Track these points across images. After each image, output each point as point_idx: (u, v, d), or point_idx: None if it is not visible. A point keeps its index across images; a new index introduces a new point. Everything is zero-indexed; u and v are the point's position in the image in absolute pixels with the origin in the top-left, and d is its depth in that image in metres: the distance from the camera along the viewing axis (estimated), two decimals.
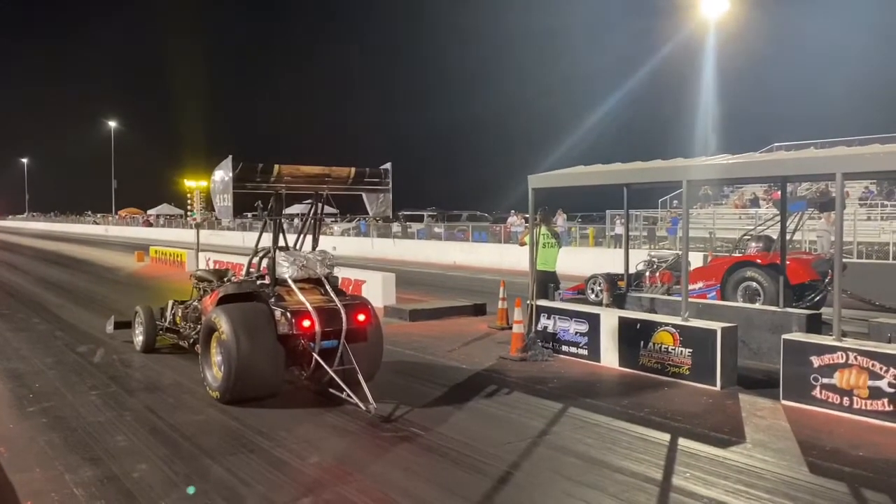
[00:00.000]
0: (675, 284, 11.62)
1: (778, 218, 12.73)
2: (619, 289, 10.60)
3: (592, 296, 11.89)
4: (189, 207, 19.18)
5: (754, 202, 25.32)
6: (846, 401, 6.13)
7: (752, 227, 15.30)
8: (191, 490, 4.58)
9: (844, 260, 8.08)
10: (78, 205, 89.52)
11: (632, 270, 11.11)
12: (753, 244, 11.98)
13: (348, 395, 6.39)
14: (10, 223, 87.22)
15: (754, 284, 11.02)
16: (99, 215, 76.25)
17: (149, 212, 71.74)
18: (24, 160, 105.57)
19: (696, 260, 14.23)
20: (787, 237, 9.83)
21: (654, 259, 12.68)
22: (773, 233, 12.17)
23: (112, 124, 77.07)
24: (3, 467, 4.98)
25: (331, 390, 6.62)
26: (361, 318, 6.83)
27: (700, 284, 11.56)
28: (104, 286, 18.20)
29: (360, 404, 6.24)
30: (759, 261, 11.15)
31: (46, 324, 11.66)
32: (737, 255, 12.93)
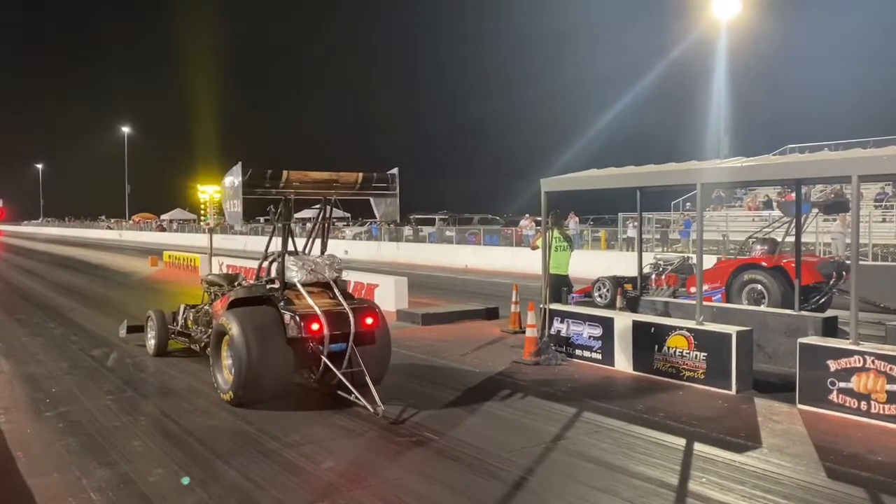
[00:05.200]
0: (680, 287, 11.57)
1: (784, 220, 12.66)
2: (626, 292, 10.54)
3: (599, 299, 11.84)
4: (202, 212, 19.27)
5: (768, 204, 25.12)
6: (863, 405, 6.07)
7: (758, 230, 15.18)
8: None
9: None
10: (92, 210, 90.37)
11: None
12: (758, 247, 11.90)
13: (356, 398, 6.43)
14: (25, 228, 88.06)
15: (759, 287, 10.95)
16: (113, 220, 76.87)
17: (162, 216, 72.27)
18: (39, 166, 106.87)
19: (707, 263, 14.11)
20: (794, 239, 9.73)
21: (660, 262, 12.62)
22: (779, 235, 12.10)
23: (125, 129, 77.91)
24: (21, 472, 5.03)
25: (339, 392, 6.66)
26: (369, 321, 6.87)
27: (705, 287, 11.49)
28: (118, 291, 18.32)
29: (368, 406, 6.28)
30: (763, 263, 11.08)
31: (62, 328, 11.75)
32: (742, 257, 12.84)
